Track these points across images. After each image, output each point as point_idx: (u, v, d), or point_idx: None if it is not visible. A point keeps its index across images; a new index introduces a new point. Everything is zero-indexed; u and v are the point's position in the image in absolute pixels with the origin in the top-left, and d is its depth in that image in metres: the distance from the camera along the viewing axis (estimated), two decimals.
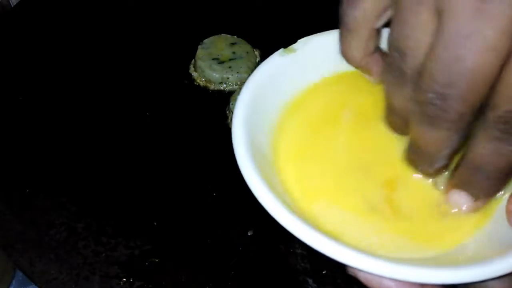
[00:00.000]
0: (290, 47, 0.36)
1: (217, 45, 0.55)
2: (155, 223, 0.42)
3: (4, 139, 0.47)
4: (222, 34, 0.56)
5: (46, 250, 0.40)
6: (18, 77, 0.53)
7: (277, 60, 0.35)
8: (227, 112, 0.50)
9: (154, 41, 0.57)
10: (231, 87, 0.53)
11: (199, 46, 0.54)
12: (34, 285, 0.39)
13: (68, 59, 0.55)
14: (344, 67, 0.33)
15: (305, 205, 0.31)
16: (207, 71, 0.53)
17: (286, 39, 0.56)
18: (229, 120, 0.50)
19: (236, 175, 0.46)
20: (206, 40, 0.55)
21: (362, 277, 0.27)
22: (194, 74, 0.54)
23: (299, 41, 0.36)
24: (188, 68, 0.55)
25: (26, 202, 0.43)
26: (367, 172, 0.32)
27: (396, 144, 0.32)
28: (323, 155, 0.33)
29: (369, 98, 0.34)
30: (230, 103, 0.50)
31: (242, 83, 0.52)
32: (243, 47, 0.55)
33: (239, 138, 0.32)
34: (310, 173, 0.32)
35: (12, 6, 0.59)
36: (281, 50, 0.36)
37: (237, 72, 0.53)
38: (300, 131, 0.34)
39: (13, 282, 0.50)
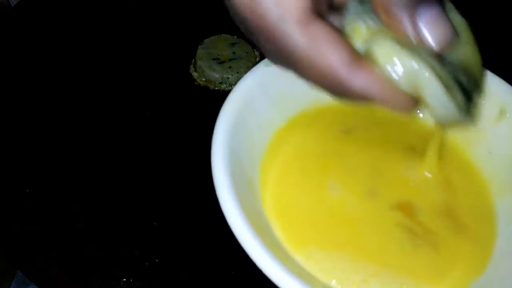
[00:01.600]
0: None
1: (217, 45, 0.55)
2: (155, 223, 0.42)
3: (4, 139, 0.47)
4: (222, 34, 0.56)
5: (46, 250, 0.40)
6: (18, 77, 0.53)
7: (262, 73, 0.32)
8: None
9: (154, 41, 0.57)
10: (231, 87, 0.53)
11: (199, 46, 0.54)
12: (34, 285, 0.39)
13: (68, 59, 0.54)
14: None
15: (293, 248, 0.29)
16: (207, 71, 0.53)
17: None
18: None
19: None
20: (206, 40, 0.55)
21: None
22: (194, 74, 0.54)
23: None
24: (188, 68, 0.55)
25: (26, 202, 0.43)
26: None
27: (396, 169, 0.31)
28: (314, 185, 0.31)
29: (361, 119, 0.34)
30: None
31: None
32: (243, 47, 0.55)
33: (219, 162, 0.29)
34: (299, 212, 0.30)
35: (12, 6, 0.59)
36: (266, 59, 0.32)
37: (237, 72, 0.53)
38: (289, 160, 0.32)
39: (13, 282, 0.50)
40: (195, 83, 0.54)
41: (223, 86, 0.53)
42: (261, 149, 0.32)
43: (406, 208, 0.31)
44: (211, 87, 0.53)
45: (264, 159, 0.31)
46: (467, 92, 0.25)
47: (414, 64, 0.22)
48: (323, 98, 0.32)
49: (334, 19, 0.25)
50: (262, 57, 0.55)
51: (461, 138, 0.35)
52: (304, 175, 0.32)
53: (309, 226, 0.30)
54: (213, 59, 0.53)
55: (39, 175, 0.45)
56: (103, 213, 0.42)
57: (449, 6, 0.25)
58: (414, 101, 0.23)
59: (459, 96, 0.25)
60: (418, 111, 0.34)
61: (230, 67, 0.53)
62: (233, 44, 0.55)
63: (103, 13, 0.60)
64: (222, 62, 0.53)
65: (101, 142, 0.48)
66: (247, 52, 0.54)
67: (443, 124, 0.28)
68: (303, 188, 0.31)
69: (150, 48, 0.56)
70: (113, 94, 0.52)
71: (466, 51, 0.26)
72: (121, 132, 0.49)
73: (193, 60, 0.55)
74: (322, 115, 0.35)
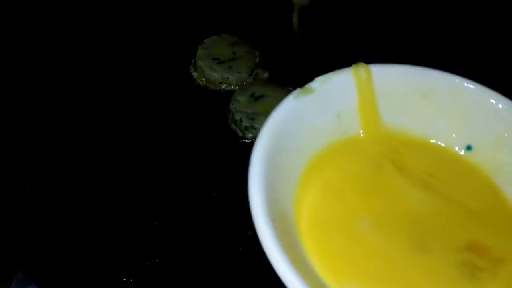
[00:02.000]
0: (307, 86, 0.34)
1: (217, 45, 0.55)
2: (155, 223, 0.42)
3: (4, 139, 0.47)
4: (222, 34, 0.56)
5: (46, 250, 0.40)
6: (18, 77, 0.53)
7: (293, 105, 0.32)
8: (227, 112, 0.50)
9: (154, 41, 0.57)
10: (231, 87, 0.53)
11: (199, 46, 0.54)
12: (34, 285, 0.39)
13: (68, 59, 0.54)
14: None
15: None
16: (207, 71, 0.53)
17: (286, 40, 0.56)
18: (229, 120, 0.50)
19: (236, 175, 0.46)
20: (206, 40, 0.55)
21: None
22: (194, 74, 0.54)
23: (316, 79, 0.35)
24: (188, 68, 0.55)
25: (27, 202, 0.43)
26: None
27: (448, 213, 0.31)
28: (350, 219, 0.31)
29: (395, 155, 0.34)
30: (230, 103, 0.50)
31: (242, 83, 0.52)
32: (243, 47, 0.55)
33: (257, 200, 0.28)
34: (336, 246, 0.30)
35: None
36: (298, 90, 0.33)
37: (237, 72, 0.53)
38: (322, 191, 0.32)
39: (13, 282, 0.50)
40: (195, 83, 0.54)
41: (223, 86, 0.53)
42: (294, 181, 0.32)
43: (474, 248, 0.31)
44: (211, 87, 0.53)
45: (298, 191, 0.32)
46: None
47: None
48: (351, 129, 0.34)
49: None
50: (262, 57, 0.55)
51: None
52: (340, 207, 0.32)
53: (347, 260, 0.30)
54: (213, 59, 0.53)
55: (39, 175, 0.45)
56: (103, 213, 0.42)
57: None
58: None
59: None
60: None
61: (230, 67, 0.53)
62: (233, 44, 0.55)
63: (103, 13, 0.60)
64: (222, 62, 0.53)
65: (101, 142, 0.48)
66: (247, 52, 0.54)
67: None
68: (339, 221, 0.31)
69: (150, 48, 0.56)
70: (113, 94, 0.52)
71: None
72: (121, 132, 0.49)
73: (193, 60, 0.55)
74: (353, 145, 0.35)
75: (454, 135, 0.36)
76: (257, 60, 0.55)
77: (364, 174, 0.34)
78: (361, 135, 0.36)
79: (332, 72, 0.35)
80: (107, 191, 0.44)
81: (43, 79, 0.52)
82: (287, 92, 0.50)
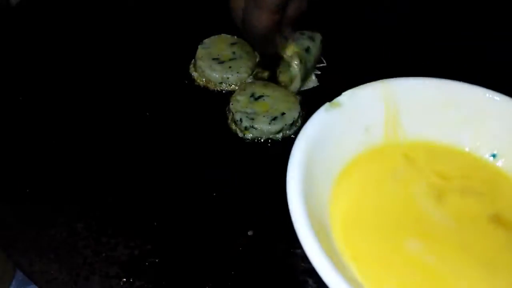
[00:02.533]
0: (335, 101, 0.36)
1: (217, 45, 0.55)
2: (155, 223, 0.42)
3: (4, 139, 0.47)
4: (222, 34, 0.56)
5: (46, 250, 0.40)
6: (18, 77, 0.53)
7: (324, 118, 0.34)
8: (227, 112, 0.50)
9: (154, 41, 0.57)
10: (231, 87, 0.53)
11: (199, 46, 0.54)
12: (34, 285, 0.39)
13: (68, 59, 0.55)
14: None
15: None
16: (207, 71, 0.53)
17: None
18: (229, 120, 0.50)
19: (236, 175, 0.46)
20: (206, 40, 0.55)
21: None
22: (194, 74, 0.54)
23: (343, 94, 0.36)
24: (188, 68, 0.55)
25: (26, 202, 0.43)
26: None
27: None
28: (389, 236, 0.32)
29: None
30: (230, 103, 0.50)
31: (242, 83, 0.52)
32: (243, 47, 0.55)
33: (297, 209, 0.30)
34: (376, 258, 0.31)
35: (13, 5, 0.59)
36: (327, 104, 0.35)
37: (237, 72, 0.53)
38: (355, 204, 0.33)
39: (13, 282, 0.50)
40: (195, 83, 0.54)
41: (223, 86, 0.53)
42: (327, 192, 0.33)
43: None
44: (211, 87, 0.53)
45: (330, 201, 0.33)
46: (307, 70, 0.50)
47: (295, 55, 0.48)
48: (378, 140, 0.36)
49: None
50: (262, 57, 0.55)
51: None
52: (373, 214, 0.33)
53: (386, 271, 0.30)
54: (213, 59, 0.53)
55: (39, 175, 0.45)
56: (103, 213, 0.42)
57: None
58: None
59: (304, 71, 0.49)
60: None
61: (230, 67, 0.53)
62: (233, 44, 0.55)
63: (103, 13, 0.60)
64: (222, 62, 0.53)
65: (101, 142, 0.48)
66: (247, 52, 0.54)
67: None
68: (373, 228, 0.32)
69: (150, 48, 0.56)
70: (113, 94, 0.52)
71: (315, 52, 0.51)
72: (121, 132, 0.49)
73: (193, 60, 0.55)
74: (380, 156, 0.36)
75: (478, 143, 0.37)
76: (257, 60, 0.55)
77: (392, 183, 0.35)
78: (388, 146, 0.37)
79: (358, 87, 0.37)
80: (108, 191, 0.44)
81: (43, 79, 0.52)
82: (287, 92, 0.51)
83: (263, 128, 0.48)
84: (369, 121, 0.36)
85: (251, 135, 0.49)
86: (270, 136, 0.49)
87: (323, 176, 0.33)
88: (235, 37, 0.56)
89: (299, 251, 0.41)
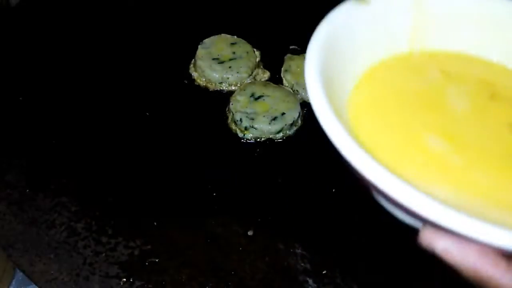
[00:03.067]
0: None
1: (217, 45, 0.55)
2: (155, 223, 0.42)
3: (4, 139, 0.47)
4: (222, 34, 0.56)
5: (46, 250, 0.40)
6: (18, 77, 0.53)
7: (349, 11, 0.33)
8: (227, 112, 0.50)
9: (154, 41, 0.57)
10: (231, 87, 0.53)
11: (199, 46, 0.54)
12: (34, 285, 0.39)
13: (68, 59, 0.54)
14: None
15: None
16: (207, 71, 0.53)
17: (286, 39, 0.56)
18: (229, 120, 0.50)
19: (236, 175, 0.46)
20: (206, 40, 0.55)
21: (440, 247, 0.24)
22: (194, 74, 0.54)
23: None
24: (188, 68, 0.55)
25: (26, 202, 0.43)
26: None
27: None
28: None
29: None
30: (230, 103, 0.50)
31: (242, 83, 0.53)
32: (243, 47, 0.55)
33: (314, 84, 0.28)
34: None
35: (12, 6, 0.59)
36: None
37: (237, 72, 0.53)
38: (375, 106, 0.32)
39: (13, 282, 0.50)
40: (195, 83, 0.54)
41: (223, 86, 0.53)
42: (347, 89, 0.32)
43: None
44: (211, 87, 0.53)
45: (350, 100, 0.32)
46: None
47: None
48: (403, 46, 0.34)
49: None
50: (262, 57, 0.55)
51: None
52: (395, 114, 0.32)
53: (403, 160, 0.29)
54: (213, 59, 0.53)
55: (39, 175, 0.45)
56: (103, 213, 0.42)
57: None
58: None
59: None
60: None
61: (230, 67, 0.53)
62: (233, 44, 0.55)
63: (103, 13, 0.60)
64: (222, 62, 0.53)
65: (101, 142, 0.48)
66: (247, 52, 0.54)
67: None
68: (395, 125, 0.31)
69: (150, 48, 0.56)
70: (113, 94, 0.52)
71: None
72: (121, 132, 0.49)
73: (193, 60, 0.55)
74: (404, 62, 0.35)
75: (506, 54, 0.36)
76: (258, 60, 0.55)
77: (417, 88, 0.34)
78: (414, 54, 0.36)
79: None
80: (108, 191, 0.44)
81: (43, 79, 0.52)
82: (287, 92, 0.51)
83: (263, 128, 0.48)
84: (395, 24, 0.35)
85: (251, 135, 0.49)
86: (270, 136, 0.49)
87: (343, 72, 0.32)
88: (235, 37, 0.56)
89: (299, 251, 0.41)
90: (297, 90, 0.52)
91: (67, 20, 0.59)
